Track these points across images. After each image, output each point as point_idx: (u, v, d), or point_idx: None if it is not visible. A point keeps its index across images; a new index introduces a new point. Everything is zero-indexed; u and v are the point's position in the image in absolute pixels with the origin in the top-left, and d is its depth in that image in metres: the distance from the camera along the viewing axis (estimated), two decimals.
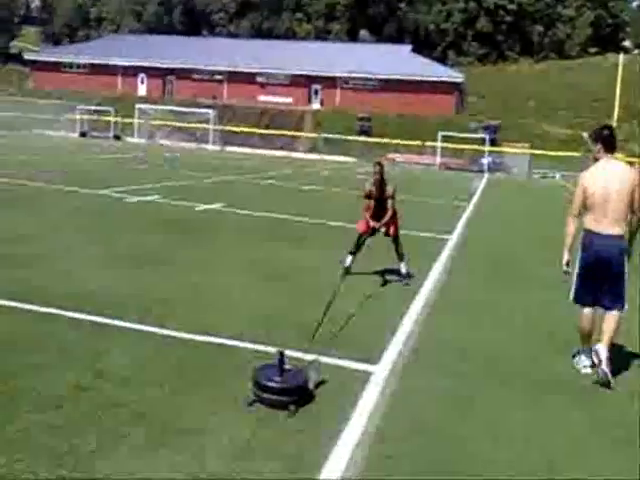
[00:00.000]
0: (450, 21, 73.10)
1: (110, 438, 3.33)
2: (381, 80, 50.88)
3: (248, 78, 53.48)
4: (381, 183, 7.39)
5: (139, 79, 56.54)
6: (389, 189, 7.45)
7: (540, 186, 31.98)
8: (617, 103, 35.21)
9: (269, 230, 10.71)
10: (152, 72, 55.78)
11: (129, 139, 45.37)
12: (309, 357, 4.41)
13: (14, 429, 3.34)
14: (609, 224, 4.73)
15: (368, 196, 7.51)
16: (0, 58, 70.62)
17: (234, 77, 53.96)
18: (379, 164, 7.49)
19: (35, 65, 59.54)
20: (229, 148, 43.92)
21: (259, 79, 53.81)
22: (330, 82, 52.32)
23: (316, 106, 51.92)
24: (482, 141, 41.27)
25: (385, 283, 7.41)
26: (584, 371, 4.89)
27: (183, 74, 55.08)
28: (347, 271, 7.57)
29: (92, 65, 57.12)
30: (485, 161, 40.50)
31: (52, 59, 58.76)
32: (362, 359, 4.77)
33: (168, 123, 45.46)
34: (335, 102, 51.74)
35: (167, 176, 18.96)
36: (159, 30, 71.30)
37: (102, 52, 58.12)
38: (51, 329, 4.95)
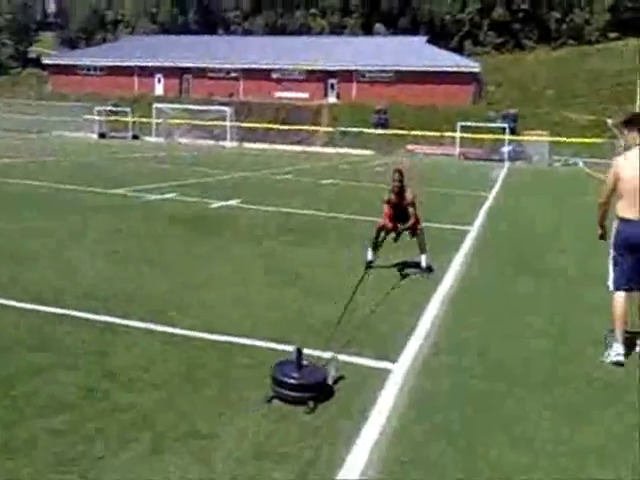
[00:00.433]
0: (466, 11, 72.33)
1: (117, 443, 3.19)
2: (397, 72, 50.53)
3: (264, 75, 53.48)
4: (400, 190, 7.30)
5: (156, 79, 56.84)
6: (408, 195, 7.35)
7: (561, 173, 31.46)
8: (639, 88, 34.45)
9: (284, 226, 10.56)
10: (168, 72, 56.08)
11: (147, 138, 45.59)
12: (326, 355, 4.25)
13: (20, 434, 3.23)
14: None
15: (388, 202, 7.43)
16: (19, 63, 71.48)
17: (250, 74, 54.00)
18: (399, 172, 7.34)
19: (53, 69, 60.14)
20: (246, 144, 43.94)
21: (274, 75, 53.78)
22: (346, 76, 52.10)
23: (332, 100, 51.73)
24: (502, 130, 40.75)
25: (405, 277, 7.22)
26: (616, 359, 4.74)
27: (199, 73, 55.27)
28: (369, 265, 7.46)
29: (109, 67, 57.55)
30: (505, 150, 40.02)
31: (69, 62, 59.35)
32: (381, 357, 4.58)
33: (186, 121, 45.55)
34: (351, 95, 51.51)
35: (185, 174, 18.91)
36: (174, 30, 71.62)
37: (118, 54, 58.55)
38: (58, 329, 4.83)
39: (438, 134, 41.22)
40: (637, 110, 32.20)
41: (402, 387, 4.11)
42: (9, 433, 3.24)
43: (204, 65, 55.23)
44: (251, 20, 79.17)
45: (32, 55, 72.55)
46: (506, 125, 40.99)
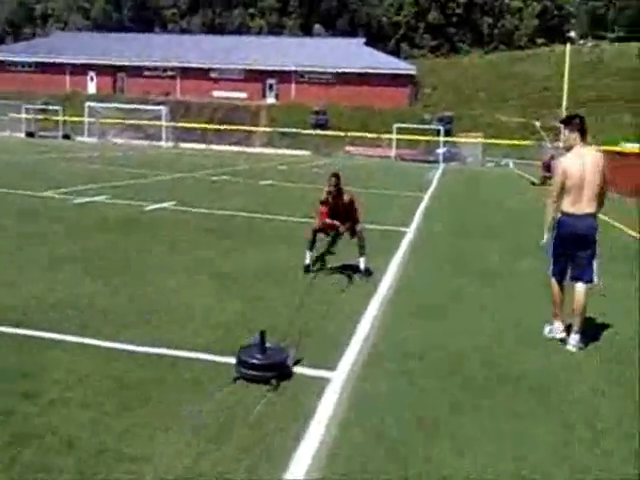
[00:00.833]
0: (402, 14, 73.39)
1: (32, 473, 2.93)
2: (336, 73, 50.76)
3: (201, 74, 52.72)
4: (337, 193, 7.24)
5: (88, 77, 55.17)
6: (345, 197, 7.32)
7: (494, 174, 32.27)
8: (565, 93, 35.72)
9: (221, 229, 10.34)
10: (102, 70, 54.53)
11: (80, 138, 44.17)
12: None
13: None
14: (585, 204, 5.24)
15: (323, 202, 7.37)
16: None
17: (187, 73, 53.12)
18: (335, 176, 7.27)
19: None
20: (183, 145, 43.21)
21: (212, 74, 53.09)
22: (285, 76, 51.96)
23: (271, 100, 51.51)
24: (437, 132, 41.52)
25: (344, 281, 7.16)
26: (558, 336, 5.39)
27: (134, 71, 53.97)
28: (307, 269, 7.38)
29: (38, 63, 55.43)
30: (440, 151, 40.80)
31: None
32: (319, 366, 4.48)
33: (119, 121, 44.38)
34: (290, 96, 51.39)
35: (119, 175, 18.34)
36: (108, 27, 69.65)
37: (48, 50, 56.49)
38: None
39: (375, 136, 41.62)
40: (564, 114, 33.37)
41: (341, 396, 4.02)
42: None
43: (139, 63, 53.96)
44: (188, 19, 77.92)
45: None
46: (441, 127, 41.79)
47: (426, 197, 17.64)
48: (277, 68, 51.88)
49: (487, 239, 10.97)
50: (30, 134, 43.89)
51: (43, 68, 55.05)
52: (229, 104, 48.76)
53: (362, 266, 7.41)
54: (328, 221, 7.39)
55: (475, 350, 5.08)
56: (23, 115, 45.14)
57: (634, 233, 11.96)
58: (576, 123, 5.35)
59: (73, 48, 56.36)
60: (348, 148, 42.15)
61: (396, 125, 41.32)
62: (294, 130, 43.42)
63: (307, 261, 7.46)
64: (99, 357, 4.43)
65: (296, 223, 11.04)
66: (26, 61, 55.90)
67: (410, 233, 10.98)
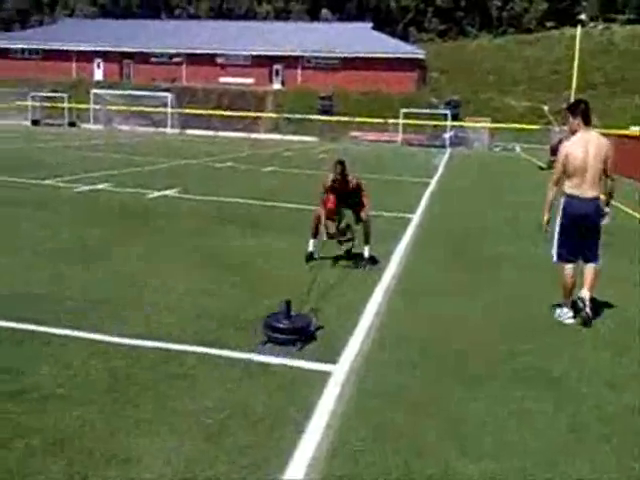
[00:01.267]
0: None
1: (20, 475, 2.81)
2: (343, 58, 50.28)
3: (208, 60, 52.37)
4: (343, 180, 7.07)
5: (95, 64, 54.93)
6: (352, 183, 7.16)
7: (500, 159, 31.94)
8: (575, 76, 35.23)
9: (224, 216, 10.18)
10: (109, 57, 54.27)
11: (85, 126, 44.05)
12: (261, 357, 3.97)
13: None
14: (588, 188, 5.37)
15: (327, 191, 7.19)
16: None
17: (193, 59, 52.80)
18: (340, 163, 7.09)
19: None
20: (188, 131, 43.04)
21: (219, 60, 52.74)
22: (291, 62, 51.54)
23: (277, 86, 51.15)
24: (444, 117, 41.12)
25: (348, 269, 7.02)
26: (567, 321, 5.47)
27: (140, 58, 53.68)
28: (310, 257, 7.23)
29: (45, 51, 55.22)
30: (447, 136, 40.44)
31: (2, 46, 56.46)
32: (320, 358, 4.35)
33: (125, 108, 44.20)
34: (297, 81, 51.00)
35: (123, 163, 18.22)
36: (115, 14, 69.23)
37: (56, 37, 56.24)
38: None
39: (382, 121, 41.27)
40: (572, 97, 32.95)
41: (342, 392, 3.88)
42: None
43: (146, 50, 53.63)
44: (196, 4, 77.35)
45: None
46: (448, 112, 41.38)
47: (433, 182, 17.42)
48: (284, 53, 51.44)
49: (494, 225, 10.79)
50: (36, 122, 43.79)
51: (50, 55, 54.81)
52: (235, 90, 48.46)
53: (366, 254, 7.26)
54: (331, 206, 7.21)
55: (481, 342, 4.92)
56: (29, 102, 45.01)
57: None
58: (580, 108, 5.50)
59: (80, 35, 56.05)
60: (354, 133, 41.84)
61: (403, 110, 40.95)
62: (300, 116, 43.12)
63: (310, 248, 7.31)
64: (90, 351, 4.28)
65: (300, 211, 10.88)
66: (33, 48, 55.68)
67: (416, 220, 10.81)
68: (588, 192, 5.36)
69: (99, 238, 8.00)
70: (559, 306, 5.61)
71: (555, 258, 5.60)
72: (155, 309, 5.24)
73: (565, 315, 5.51)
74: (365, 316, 5.40)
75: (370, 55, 49.29)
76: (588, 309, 5.37)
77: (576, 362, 4.61)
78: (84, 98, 44.97)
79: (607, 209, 5.57)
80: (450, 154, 33.15)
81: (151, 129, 42.84)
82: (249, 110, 45.05)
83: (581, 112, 5.46)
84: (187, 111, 44.47)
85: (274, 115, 45.51)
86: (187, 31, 56.56)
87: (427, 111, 41.10)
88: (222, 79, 51.26)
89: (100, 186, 12.73)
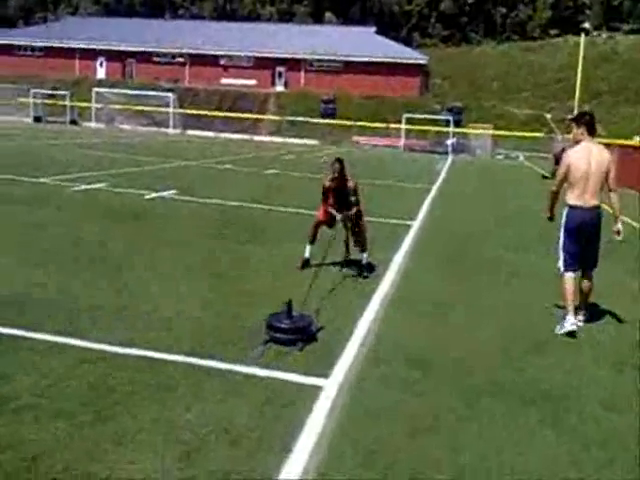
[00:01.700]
0: (414, 3, 72.52)
1: None
2: (345, 62, 50.20)
3: (211, 61, 52.29)
4: (341, 180, 6.90)
5: (98, 62, 54.84)
6: (350, 183, 6.96)
7: (503, 166, 31.78)
8: (578, 84, 35.08)
9: (220, 220, 10.02)
10: (111, 55, 54.18)
11: (87, 124, 43.94)
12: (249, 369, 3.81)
13: None
14: (590, 197, 5.46)
15: (326, 191, 7.02)
16: None
17: (196, 60, 52.71)
18: (339, 161, 6.92)
19: None
20: (190, 132, 42.93)
21: (222, 62, 52.64)
22: (294, 64, 51.45)
23: (280, 88, 51.06)
24: (446, 123, 40.99)
25: (344, 277, 6.85)
26: (570, 328, 5.34)
27: (143, 57, 53.59)
28: (306, 263, 7.07)
29: (48, 48, 55.12)
30: (449, 142, 40.31)
31: (6, 42, 56.37)
32: (312, 371, 4.18)
33: (127, 107, 44.09)
34: (299, 84, 50.91)
35: (122, 162, 18.06)
36: (119, 12, 69.16)
37: (59, 35, 56.14)
38: None
39: (384, 125, 41.13)
40: (576, 106, 32.83)
41: (333, 408, 3.71)
42: None
43: (149, 49, 53.56)
44: (199, 4, 77.31)
45: None
46: (450, 118, 41.26)
47: (434, 189, 17.27)
48: (287, 56, 51.36)
49: (495, 233, 10.63)
50: (37, 119, 43.68)
51: (53, 53, 54.74)
52: (237, 91, 48.35)
53: (364, 261, 7.11)
54: (331, 211, 7.05)
55: (479, 356, 4.76)
56: (31, 99, 44.90)
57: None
58: (584, 119, 5.63)
59: (83, 33, 55.99)
60: (356, 138, 41.71)
61: (406, 115, 40.82)
62: (301, 119, 43.00)
63: (307, 255, 7.14)
64: (73, 359, 4.11)
65: (299, 215, 10.72)
66: (37, 45, 55.61)
67: (416, 226, 10.66)
68: (590, 201, 5.46)
69: (92, 240, 7.83)
70: (562, 318, 5.48)
71: (562, 269, 5.61)
72: (146, 317, 5.06)
73: (568, 323, 5.41)
74: (361, 325, 5.24)
75: (373, 59, 49.21)
76: (582, 316, 5.61)
77: (576, 377, 4.45)
78: (86, 96, 44.87)
79: (619, 225, 5.61)
80: (452, 161, 33.02)
81: (153, 129, 42.74)
82: (251, 112, 44.94)
83: (585, 122, 5.57)
84: (189, 111, 44.35)
85: (276, 118, 45.39)
86: (190, 31, 56.48)
87: (430, 117, 40.97)
88: (224, 80, 51.18)
89: (97, 185, 12.57)
